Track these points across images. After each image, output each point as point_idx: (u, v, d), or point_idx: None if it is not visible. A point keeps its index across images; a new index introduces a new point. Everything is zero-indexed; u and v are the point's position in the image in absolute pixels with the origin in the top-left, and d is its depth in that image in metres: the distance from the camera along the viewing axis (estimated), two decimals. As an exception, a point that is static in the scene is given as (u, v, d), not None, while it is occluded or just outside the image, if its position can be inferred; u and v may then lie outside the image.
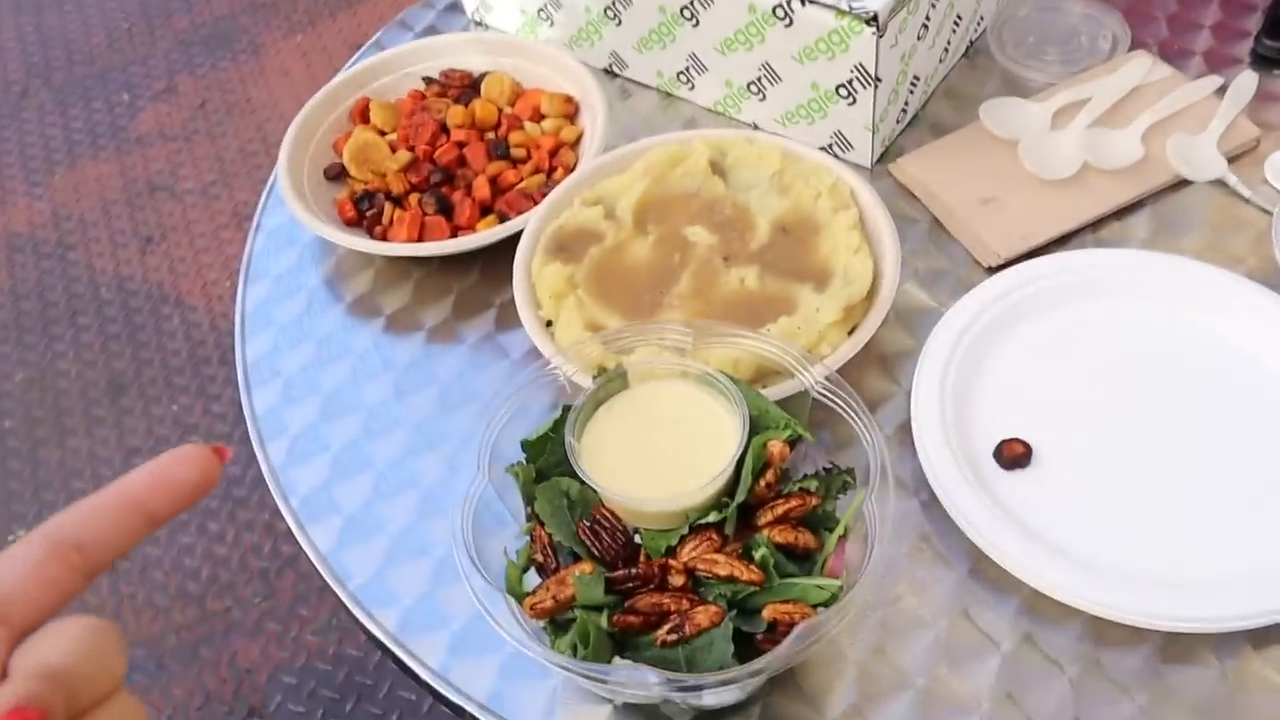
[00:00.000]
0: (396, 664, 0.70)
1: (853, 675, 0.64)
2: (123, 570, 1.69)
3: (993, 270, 0.80)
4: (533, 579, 0.61)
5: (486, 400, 0.62)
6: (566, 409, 0.62)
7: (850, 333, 0.73)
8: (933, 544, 0.69)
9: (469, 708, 0.66)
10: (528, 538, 0.62)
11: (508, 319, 0.83)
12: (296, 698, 1.37)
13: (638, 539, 0.60)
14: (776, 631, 0.56)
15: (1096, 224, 0.83)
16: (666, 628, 0.55)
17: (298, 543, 0.74)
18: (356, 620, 0.71)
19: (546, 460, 0.63)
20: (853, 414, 0.61)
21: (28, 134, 2.36)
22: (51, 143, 2.34)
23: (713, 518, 0.59)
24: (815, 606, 0.56)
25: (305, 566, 1.30)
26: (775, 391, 0.67)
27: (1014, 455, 0.70)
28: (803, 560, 0.59)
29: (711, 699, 0.58)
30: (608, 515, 0.60)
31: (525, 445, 0.63)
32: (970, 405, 0.73)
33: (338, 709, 1.31)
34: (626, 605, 0.57)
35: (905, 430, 0.72)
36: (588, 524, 0.60)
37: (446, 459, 0.76)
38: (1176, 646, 0.64)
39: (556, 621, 0.59)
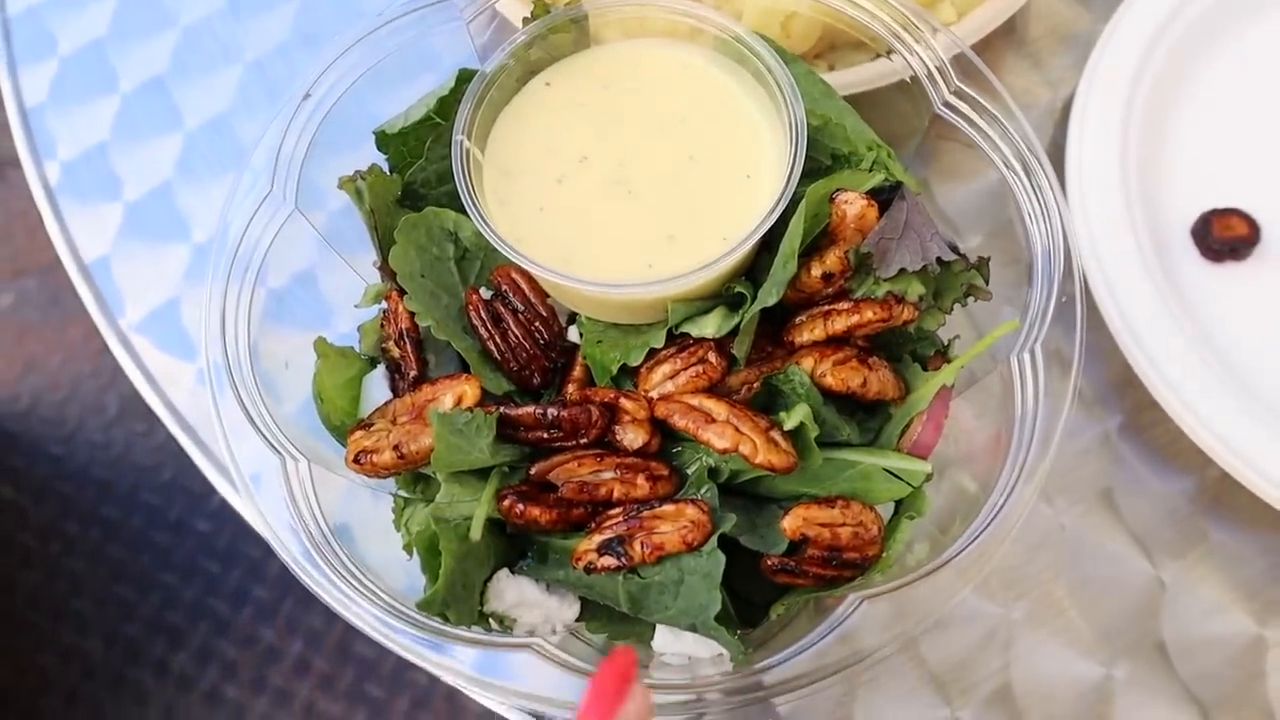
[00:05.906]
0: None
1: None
2: None
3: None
4: (379, 390, 0.34)
5: (322, 42, 0.33)
6: (467, 76, 0.33)
7: (989, -11, 0.42)
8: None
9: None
10: (376, 309, 0.35)
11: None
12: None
13: (573, 334, 0.33)
14: (804, 558, 0.30)
15: None
16: (599, 538, 0.29)
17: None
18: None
19: (419, 174, 0.34)
20: (995, 141, 0.32)
21: None
22: None
23: (711, 323, 0.31)
24: (893, 514, 0.30)
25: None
26: (860, 78, 0.37)
27: (1230, 237, 0.42)
28: (868, 414, 0.32)
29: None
30: (523, 284, 0.32)
31: (382, 138, 0.34)
32: (1166, 154, 0.43)
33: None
34: (533, 472, 0.30)
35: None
36: (486, 296, 0.33)
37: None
38: None
39: (420, 475, 0.33)
